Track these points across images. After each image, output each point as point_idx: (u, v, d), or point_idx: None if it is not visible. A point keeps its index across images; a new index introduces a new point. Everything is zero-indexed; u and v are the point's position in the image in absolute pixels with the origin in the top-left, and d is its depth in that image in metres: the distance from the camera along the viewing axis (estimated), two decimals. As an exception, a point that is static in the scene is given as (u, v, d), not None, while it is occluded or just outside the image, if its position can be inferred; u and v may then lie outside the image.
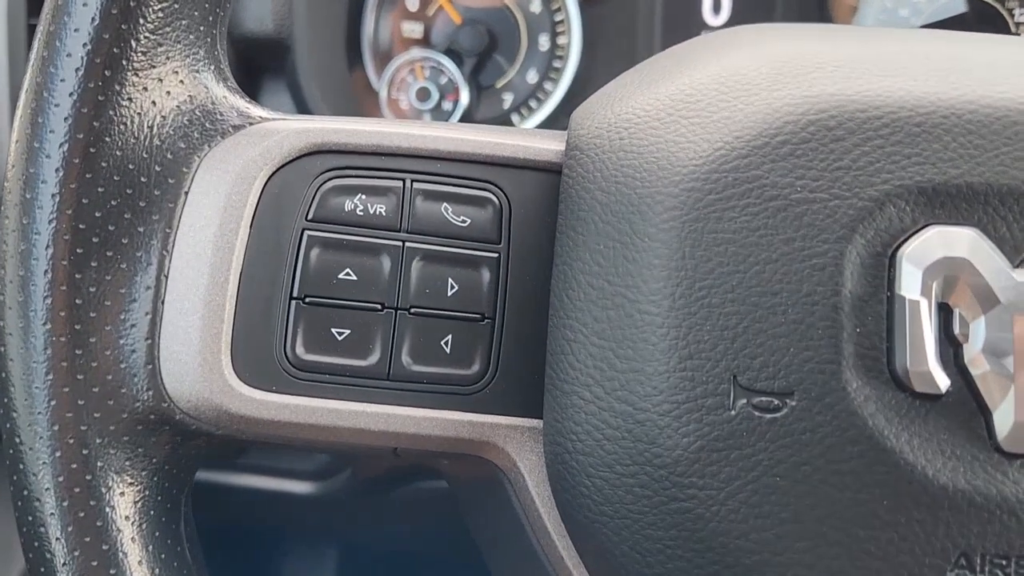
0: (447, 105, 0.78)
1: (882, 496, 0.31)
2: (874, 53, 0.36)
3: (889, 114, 0.33)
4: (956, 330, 0.32)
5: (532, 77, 0.79)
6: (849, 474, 0.31)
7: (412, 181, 0.36)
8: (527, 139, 0.38)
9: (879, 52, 0.36)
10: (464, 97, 0.77)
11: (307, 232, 0.35)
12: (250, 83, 0.74)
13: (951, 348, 0.32)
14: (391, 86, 0.77)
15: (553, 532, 0.36)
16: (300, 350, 0.35)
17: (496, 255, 0.36)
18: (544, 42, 0.79)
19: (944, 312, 0.32)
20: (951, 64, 0.35)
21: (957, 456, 0.31)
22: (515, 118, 0.79)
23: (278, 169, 0.36)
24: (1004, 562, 0.31)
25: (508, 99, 0.79)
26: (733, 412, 0.32)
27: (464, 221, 0.36)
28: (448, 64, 0.77)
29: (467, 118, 0.77)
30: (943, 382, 0.31)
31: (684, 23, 0.77)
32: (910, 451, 0.31)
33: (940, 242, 0.32)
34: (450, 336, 0.36)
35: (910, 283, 0.32)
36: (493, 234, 0.37)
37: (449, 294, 0.36)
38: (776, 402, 0.32)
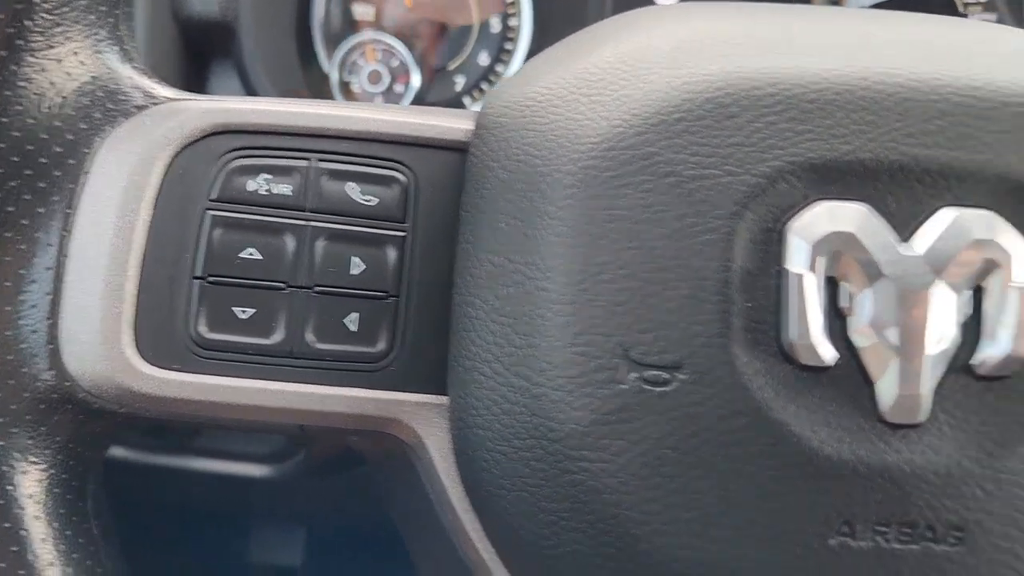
0: (399, 88, 0.78)
1: (768, 466, 0.32)
2: (779, 31, 0.36)
3: (783, 91, 0.33)
4: (842, 303, 0.32)
5: (484, 59, 0.79)
6: (736, 445, 0.32)
7: (318, 160, 0.37)
8: (437, 118, 0.38)
9: (784, 30, 0.36)
10: (415, 80, 0.77)
11: (210, 212, 0.36)
12: (198, 67, 0.74)
13: (838, 321, 0.32)
14: (342, 69, 0.77)
15: (459, 507, 0.36)
16: (203, 329, 0.35)
17: (403, 234, 0.37)
18: (495, 24, 0.79)
19: (831, 286, 0.32)
20: (854, 41, 0.35)
21: (842, 427, 0.32)
22: (467, 100, 0.79)
23: (182, 149, 0.36)
24: (885, 529, 0.31)
25: (460, 81, 0.79)
26: (625, 386, 0.32)
27: (370, 200, 0.37)
28: (399, 46, 0.77)
29: (419, 101, 0.77)
30: (828, 355, 0.32)
31: (635, 3, 0.77)
32: (796, 422, 0.32)
33: (828, 217, 0.32)
34: (356, 314, 0.36)
35: (797, 257, 0.32)
36: (399, 213, 0.37)
37: (354, 273, 0.36)
38: (666, 376, 0.32)
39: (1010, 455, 0.32)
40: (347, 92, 0.78)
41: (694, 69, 0.34)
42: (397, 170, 0.37)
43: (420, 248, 0.37)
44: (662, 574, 0.32)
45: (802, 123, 0.33)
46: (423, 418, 0.36)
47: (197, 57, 0.74)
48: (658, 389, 0.32)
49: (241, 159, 0.36)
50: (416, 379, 0.36)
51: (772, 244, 0.32)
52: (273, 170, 0.36)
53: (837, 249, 0.32)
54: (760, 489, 0.32)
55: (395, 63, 0.77)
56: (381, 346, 0.36)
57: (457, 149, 0.37)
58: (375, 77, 0.77)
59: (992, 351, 0.32)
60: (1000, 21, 0.77)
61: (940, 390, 0.32)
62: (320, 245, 0.36)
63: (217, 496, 0.85)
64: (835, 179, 0.32)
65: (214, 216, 0.36)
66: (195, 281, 0.35)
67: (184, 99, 0.37)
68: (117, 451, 0.76)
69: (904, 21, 0.37)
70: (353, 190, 0.37)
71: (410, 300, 0.37)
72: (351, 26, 0.79)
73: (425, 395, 0.36)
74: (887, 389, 0.32)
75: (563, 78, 0.36)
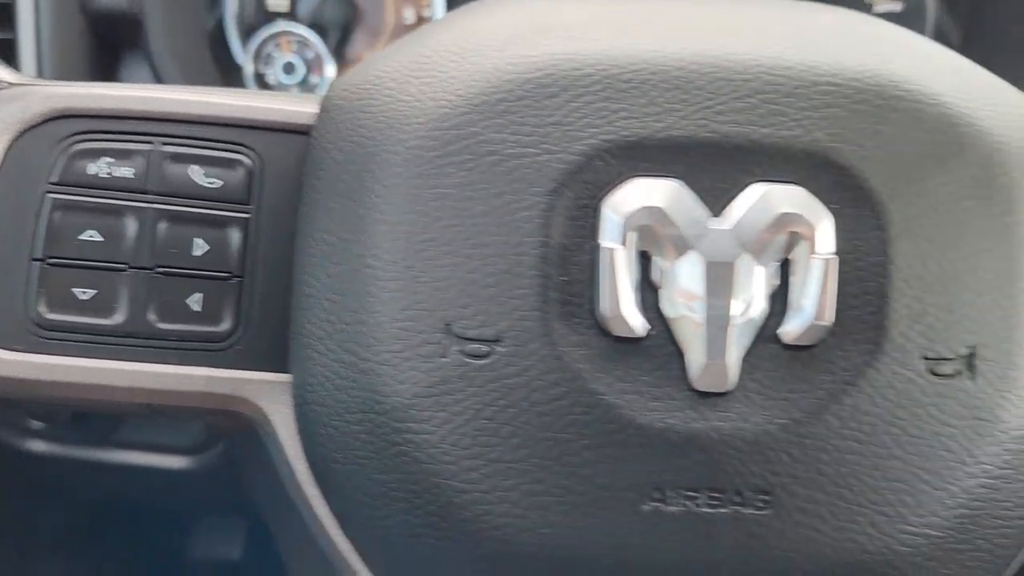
0: (314, 79, 0.78)
1: (583, 435, 0.33)
2: (610, 15, 0.37)
3: (600, 71, 0.34)
4: (654, 277, 0.33)
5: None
6: (552, 415, 0.33)
7: (161, 144, 0.37)
8: (283, 103, 0.39)
9: (616, 14, 0.37)
10: (329, 71, 0.77)
11: (51, 195, 0.36)
12: (111, 60, 0.74)
13: (651, 294, 0.33)
14: (257, 60, 0.78)
15: (304, 482, 0.37)
16: (43, 310, 0.36)
17: (247, 216, 0.37)
18: (409, 16, 0.79)
19: (645, 260, 0.33)
20: (679, 25, 0.36)
21: (655, 396, 0.33)
22: (382, 91, 0.80)
23: (22, 133, 0.37)
24: (695, 494, 0.33)
25: (375, 72, 0.79)
26: (447, 359, 0.33)
27: (214, 183, 0.37)
28: (313, 38, 0.78)
29: (334, 91, 0.78)
30: (640, 326, 0.33)
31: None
32: (610, 392, 0.33)
33: (640, 193, 0.33)
34: (199, 295, 0.37)
35: (610, 233, 0.33)
36: (244, 195, 0.38)
37: (197, 254, 0.37)
38: (486, 349, 0.33)
39: (815, 421, 0.33)
40: (262, 83, 0.78)
41: (520, 52, 0.35)
42: (242, 153, 0.38)
43: (267, 230, 0.38)
44: (483, 541, 0.33)
45: (617, 103, 0.34)
46: (269, 396, 0.37)
47: (110, 50, 0.74)
48: (478, 362, 0.33)
49: (83, 143, 0.37)
50: (263, 358, 0.37)
51: (587, 220, 0.33)
52: (115, 153, 0.37)
53: (648, 224, 0.33)
54: (576, 457, 0.33)
55: (310, 54, 0.78)
56: (226, 326, 0.37)
57: (304, 132, 0.38)
58: (290, 68, 0.78)
59: (797, 321, 0.33)
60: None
61: (749, 359, 0.33)
62: (162, 227, 0.37)
63: (147, 490, 0.85)
64: (649, 156, 0.33)
65: (54, 199, 0.36)
66: (34, 263, 0.36)
67: (28, 84, 0.38)
68: (37, 445, 0.76)
69: (738, 5, 0.39)
70: (196, 173, 0.37)
71: (255, 280, 0.37)
72: (265, 17, 0.79)
73: (271, 373, 0.37)
74: (695, 358, 0.33)
75: (398, 61, 0.37)
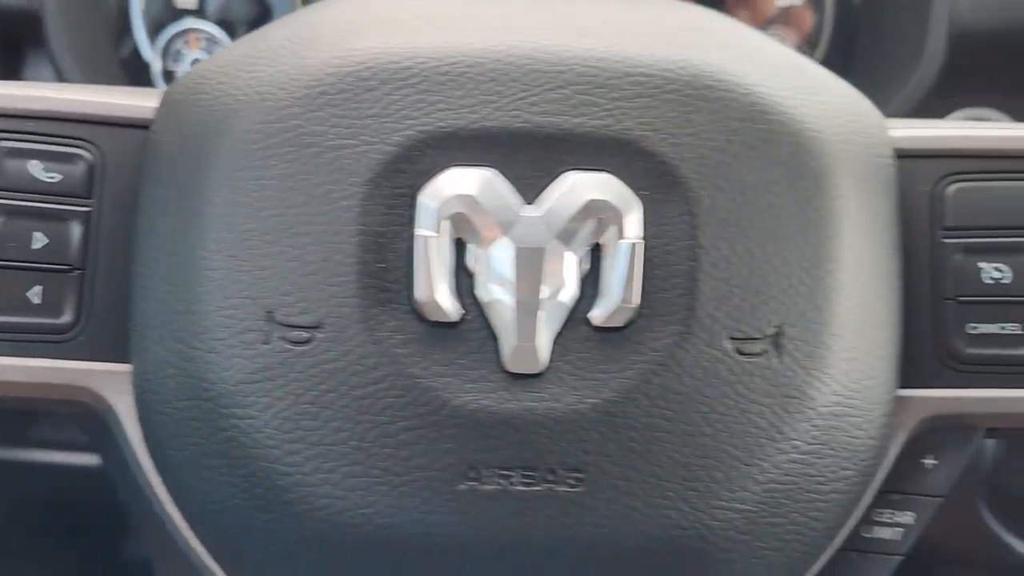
0: (224, 75, 0.79)
1: (400, 418, 0.34)
2: (437, 10, 0.38)
3: (419, 64, 0.35)
4: (468, 263, 0.34)
5: None
6: (370, 399, 0.34)
7: (0, 139, 0.38)
8: (125, 97, 0.39)
9: (442, 9, 0.38)
10: (238, 67, 0.78)
11: None
12: (14, 57, 0.74)
13: (467, 280, 0.34)
14: (165, 57, 0.78)
15: (149, 469, 0.38)
16: None
17: (88, 209, 0.38)
18: (318, 11, 0.80)
19: (461, 247, 0.34)
20: (498, 18, 0.37)
21: (470, 379, 0.34)
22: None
23: None
24: (509, 473, 0.34)
25: (285, 68, 0.80)
26: (269, 346, 0.34)
27: (53, 177, 0.38)
28: (221, 34, 0.78)
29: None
30: (454, 311, 0.34)
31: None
32: (427, 376, 0.34)
33: (455, 182, 0.34)
34: (39, 287, 0.37)
35: (425, 221, 0.34)
36: (84, 189, 0.38)
37: (36, 247, 0.37)
38: (306, 335, 0.34)
39: (625, 401, 0.34)
40: (170, 80, 0.79)
41: (346, 46, 0.36)
42: (83, 148, 0.38)
43: (109, 223, 0.38)
44: (307, 522, 0.34)
45: (434, 95, 0.35)
46: (112, 386, 0.38)
47: (14, 49, 0.74)
48: (299, 348, 0.34)
49: None
50: (108, 349, 0.38)
51: (405, 209, 0.34)
52: None
53: (462, 212, 0.34)
54: (393, 439, 0.34)
55: (218, 51, 0.78)
56: (67, 318, 0.38)
57: (145, 127, 0.39)
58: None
59: (605, 304, 0.34)
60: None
61: (561, 342, 0.34)
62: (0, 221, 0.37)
63: (69, 489, 0.86)
64: (464, 147, 0.34)
65: None
66: None
67: None
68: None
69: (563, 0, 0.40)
70: (35, 167, 0.38)
71: (98, 273, 0.38)
72: (173, 14, 0.79)
73: (114, 363, 0.38)
74: (507, 342, 0.34)
75: (233, 56, 0.38)
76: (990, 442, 0.72)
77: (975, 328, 0.38)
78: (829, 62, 0.81)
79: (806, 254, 0.35)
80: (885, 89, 0.73)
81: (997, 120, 0.74)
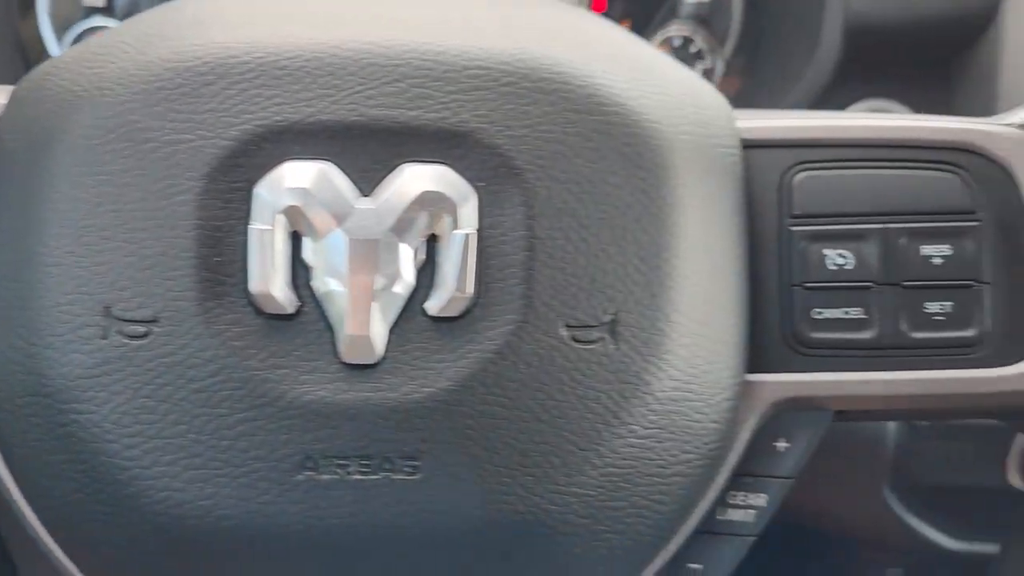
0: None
1: (238, 410, 0.34)
2: (283, 5, 0.38)
3: (256, 59, 0.35)
4: (305, 256, 0.35)
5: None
6: (208, 392, 0.34)
7: None
8: None
9: (288, 4, 0.38)
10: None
11: None
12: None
13: (304, 272, 0.35)
14: (73, 55, 0.78)
15: (2, 468, 0.38)
16: None
17: None
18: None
19: (296, 239, 0.35)
20: (339, 13, 0.37)
21: (307, 370, 0.34)
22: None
23: None
24: (345, 462, 0.34)
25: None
26: (107, 341, 0.34)
27: None
28: (130, 32, 0.78)
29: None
30: (289, 303, 0.34)
31: None
32: (264, 368, 0.34)
33: (291, 176, 0.34)
34: None
35: (261, 215, 0.34)
36: None
37: None
38: (143, 329, 0.34)
39: (461, 389, 0.34)
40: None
41: (185, 42, 0.36)
42: None
43: None
44: (148, 516, 0.34)
45: (272, 88, 0.35)
46: None
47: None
48: (136, 342, 0.34)
49: None
50: None
51: (241, 203, 0.35)
52: None
53: (298, 205, 0.34)
54: (231, 431, 0.34)
55: (129, 48, 0.78)
56: None
57: None
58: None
59: (440, 294, 0.35)
60: None
61: (398, 332, 0.35)
62: None
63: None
64: (301, 140, 0.35)
65: None
66: None
67: None
68: None
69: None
70: None
71: None
72: (81, 12, 0.79)
73: None
74: (342, 332, 0.34)
75: (80, 52, 0.38)
76: (892, 429, 0.74)
77: (820, 313, 0.39)
78: (737, 58, 0.82)
79: (643, 243, 0.36)
80: (784, 82, 0.74)
81: (897, 111, 0.75)
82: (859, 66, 0.73)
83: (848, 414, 0.41)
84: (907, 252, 0.39)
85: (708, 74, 0.82)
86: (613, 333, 0.35)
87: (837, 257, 0.39)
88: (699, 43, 0.83)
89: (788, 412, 0.40)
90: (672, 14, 0.83)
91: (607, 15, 0.82)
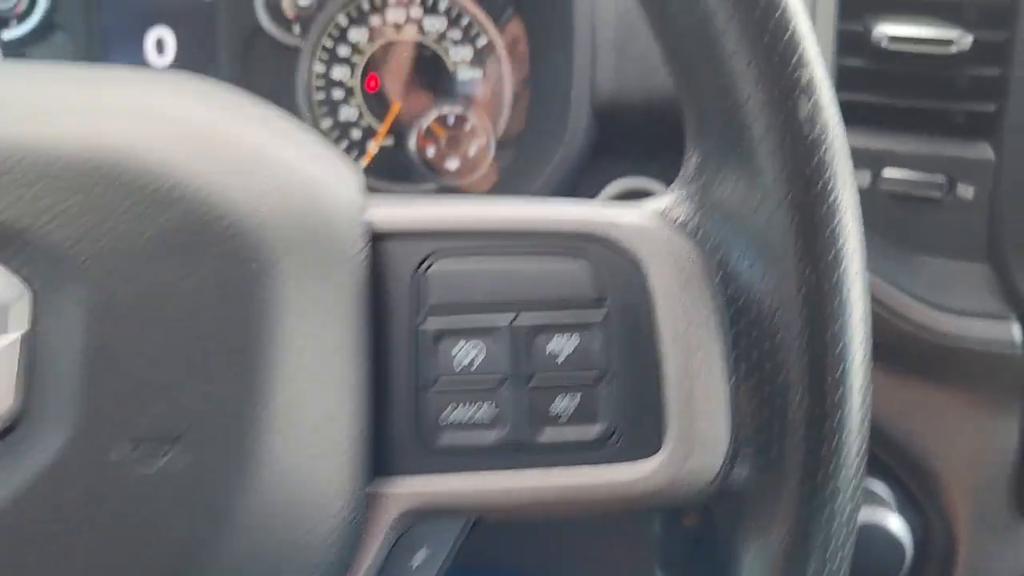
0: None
1: None
2: None
3: None
4: None
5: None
6: None
7: None
8: None
9: None
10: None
11: None
12: None
13: None
14: None
15: None
16: None
17: None
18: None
19: None
20: None
21: None
22: None
23: None
24: None
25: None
26: None
27: None
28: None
29: None
30: None
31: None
32: None
33: None
34: None
35: None
36: None
37: None
38: None
39: (10, 507, 0.30)
40: None
41: None
42: None
43: None
44: None
45: None
46: None
47: None
48: None
49: None
50: None
51: None
52: None
53: None
54: None
55: None
56: None
57: None
58: None
59: None
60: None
61: None
62: None
63: None
64: None
65: None
66: None
67: None
68: None
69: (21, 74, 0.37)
70: None
71: None
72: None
73: None
74: None
75: None
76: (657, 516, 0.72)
77: (450, 415, 0.37)
78: (506, 141, 0.82)
79: (230, 349, 0.33)
80: (539, 164, 0.73)
81: (655, 189, 0.75)
82: (614, 145, 0.74)
83: (489, 517, 0.38)
84: (533, 348, 0.37)
85: (481, 154, 0.81)
86: (189, 449, 0.32)
87: (469, 351, 0.37)
88: (472, 121, 0.82)
89: (424, 521, 0.38)
90: (446, 94, 0.83)
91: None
